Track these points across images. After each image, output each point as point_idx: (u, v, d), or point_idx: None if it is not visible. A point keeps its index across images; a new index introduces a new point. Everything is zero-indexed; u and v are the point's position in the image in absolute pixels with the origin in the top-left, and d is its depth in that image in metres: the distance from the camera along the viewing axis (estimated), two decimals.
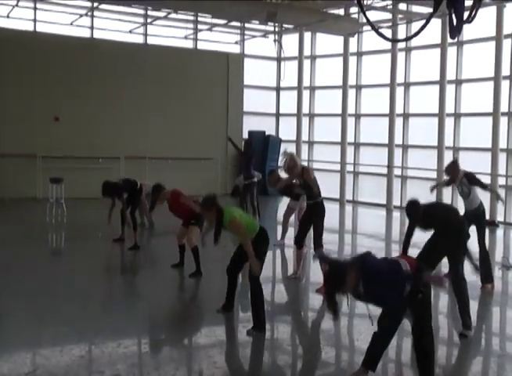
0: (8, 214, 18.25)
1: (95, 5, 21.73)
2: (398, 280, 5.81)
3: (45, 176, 20.20)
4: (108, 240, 13.99)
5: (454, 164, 10.56)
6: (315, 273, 10.63)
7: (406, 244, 8.57)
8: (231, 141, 18.44)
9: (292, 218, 14.30)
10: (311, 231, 10.45)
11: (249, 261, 7.85)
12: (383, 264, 5.93)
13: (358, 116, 23.81)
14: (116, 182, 13.95)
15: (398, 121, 21.68)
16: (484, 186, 10.73)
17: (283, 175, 11.51)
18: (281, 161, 10.78)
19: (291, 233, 13.81)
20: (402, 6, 20.42)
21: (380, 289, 5.71)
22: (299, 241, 10.78)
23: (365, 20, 11.87)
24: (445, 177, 10.69)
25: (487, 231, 11.13)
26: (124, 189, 13.89)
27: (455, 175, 10.35)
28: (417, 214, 8.41)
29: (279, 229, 14.76)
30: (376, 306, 5.93)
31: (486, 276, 10.42)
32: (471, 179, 10.51)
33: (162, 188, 11.60)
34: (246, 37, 25.55)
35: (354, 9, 21.29)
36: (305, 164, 10.96)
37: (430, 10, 8.33)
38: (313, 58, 25.44)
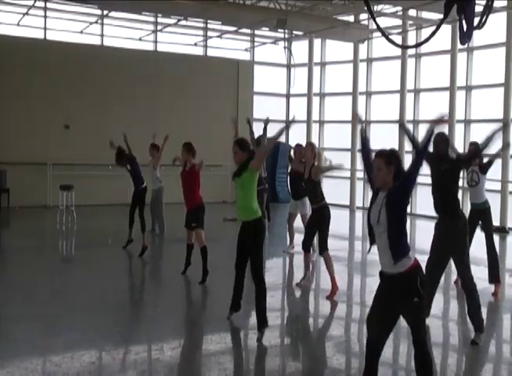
0: (19, 222, 18.30)
1: (105, 12, 21.83)
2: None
3: (55, 184, 20.25)
4: (118, 247, 14.01)
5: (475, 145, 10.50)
6: (325, 279, 10.61)
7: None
8: (249, 124, 18.52)
9: (296, 223, 14.27)
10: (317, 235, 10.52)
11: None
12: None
13: (367, 122, 23.79)
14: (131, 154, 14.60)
15: (408, 128, 21.61)
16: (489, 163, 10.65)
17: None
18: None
19: (297, 239, 13.82)
20: (412, 12, 20.39)
21: (398, 210, 5.74)
22: (306, 246, 10.82)
23: (375, 27, 11.88)
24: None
25: (497, 237, 11.08)
26: (134, 160, 14.31)
27: (473, 156, 10.24)
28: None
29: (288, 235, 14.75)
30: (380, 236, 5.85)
31: (493, 275, 10.39)
32: (483, 169, 10.50)
33: (192, 147, 11.73)
34: (256, 44, 25.61)
35: (363, 16, 21.30)
36: (320, 159, 10.90)
37: (441, 16, 8.32)
38: (323, 64, 25.45)
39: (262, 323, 7.96)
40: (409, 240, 5.94)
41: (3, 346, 7.65)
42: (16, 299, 9.65)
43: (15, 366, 6.85)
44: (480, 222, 10.59)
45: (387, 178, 5.71)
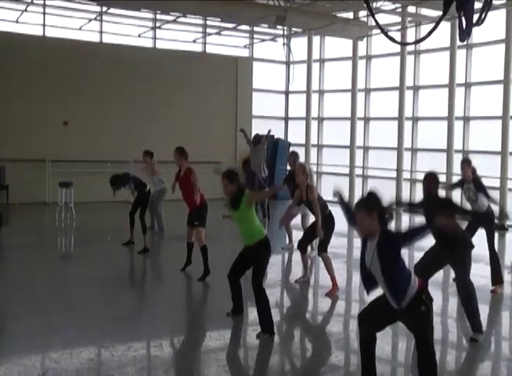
0: (18, 218, 18.29)
1: (104, 9, 21.80)
2: (406, 275, 5.80)
3: (54, 181, 20.25)
4: (117, 244, 14.01)
5: (467, 161, 10.47)
6: (324, 277, 10.61)
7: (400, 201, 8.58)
8: (244, 132, 18.71)
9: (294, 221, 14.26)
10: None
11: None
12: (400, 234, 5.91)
13: (367, 119, 23.79)
14: (124, 173, 14.18)
15: (407, 125, 21.64)
16: (488, 196, 10.58)
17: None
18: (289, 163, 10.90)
19: (295, 236, 13.82)
20: (411, 9, 20.38)
21: (391, 259, 5.71)
22: (303, 246, 10.82)
23: (374, 23, 11.87)
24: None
25: (496, 235, 11.08)
26: (133, 181, 13.96)
27: (465, 174, 10.23)
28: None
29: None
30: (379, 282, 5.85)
31: (496, 277, 10.41)
32: (478, 186, 10.44)
33: (184, 151, 11.69)
34: (255, 40, 25.57)
35: (363, 13, 21.27)
36: (312, 177, 10.84)
37: (440, 13, 8.31)
38: (322, 61, 25.43)
39: (267, 328, 7.91)
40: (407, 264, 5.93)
41: (2, 343, 7.66)
42: (15, 296, 9.65)
43: (13, 362, 6.85)
44: (483, 225, 10.56)
45: (372, 225, 5.73)
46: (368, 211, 5.68)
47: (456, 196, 10.70)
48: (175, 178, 11.84)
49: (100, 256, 13.22)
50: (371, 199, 5.82)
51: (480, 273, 10.39)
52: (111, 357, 7.08)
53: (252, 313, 8.69)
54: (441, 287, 10.45)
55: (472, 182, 10.41)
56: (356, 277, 12.10)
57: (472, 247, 8.21)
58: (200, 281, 10.80)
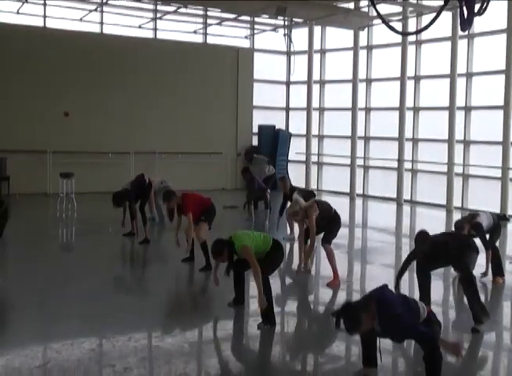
0: (19, 209, 18.28)
1: (105, 0, 21.76)
2: (414, 317, 5.78)
3: (55, 171, 20.25)
4: (118, 235, 14.02)
5: (461, 223, 10.39)
6: (325, 267, 10.62)
7: (399, 276, 8.44)
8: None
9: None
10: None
11: (257, 293, 7.88)
12: (399, 300, 5.88)
13: (368, 110, 23.76)
14: (125, 189, 13.85)
15: (409, 115, 21.61)
16: (485, 245, 10.46)
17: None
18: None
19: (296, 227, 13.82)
20: None
21: (397, 325, 5.67)
22: (305, 237, 10.81)
23: (375, 14, 11.85)
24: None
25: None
26: (134, 192, 13.83)
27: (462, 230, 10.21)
28: (425, 243, 8.22)
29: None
30: (394, 342, 5.94)
31: (497, 269, 10.42)
32: (478, 230, 10.34)
33: (173, 195, 11.39)
34: (256, 31, 25.51)
35: (364, 3, 21.23)
36: (307, 202, 10.95)
37: (441, 3, 8.29)
38: (323, 52, 25.37)
39: (269, 319, 7.92)
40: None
41: (3, 334, 7.68)
42: (16, 287, 9.65)
43: (15, 353, 6.86)
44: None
45: (371, 319, 5.72)
46: (366, 314, 5.68)
47: None
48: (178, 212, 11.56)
49: (101, 247, 13.22)
50: (354, 311, 5.77)
51: (482, 263, 10.38)
52: (112, 347, 7.09)
53: (253, 304, 8.70)
54: (442, 278, 10.45)
55: (471, 228, 10.28)
56: (357, 268, 12.15)
57: (477, 252, 8.27)
58: (201, 272, 10.79)
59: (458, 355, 5.79)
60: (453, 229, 10.41)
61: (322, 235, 10.61)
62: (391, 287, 6.31)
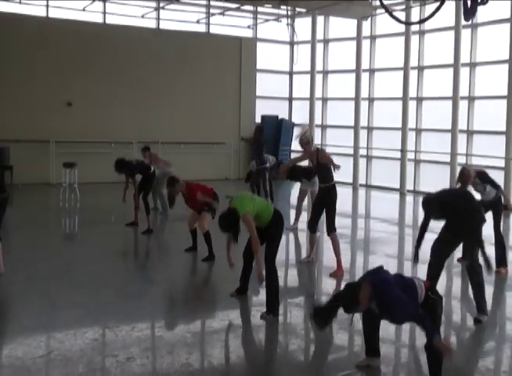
0: (21, 199, 18.31)
1: None
2: (411, 297, 5.76)
3: (58, 161, 20.28)
4: (121, 224, 14.02)
5: (463, 173, 10.35)
6: (329, 258, 10.62)
7: (420, 237, 8.44)
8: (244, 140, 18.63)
9: (305, 202, 14.30)
10: (324, 215, 10.43)
11: (256, 261, 7.94)
12: (396, 279, 5.87)
13: (371, 100, 23.72)
14: (129, 161, 13.95)
15: (412, 105, 21.58)
16: (495, 186, 10.53)
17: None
18: (297, 136, 10.70)
19: (304, 217, 13.82)
20: None
21: (394, 306, 5.65)
22: (312, 226, 10.73)
23: (378, 3, 11.79)
24: (457, 185, 10.53)
25: (502, 216, 11.07)
26: (137, 169, 13.88)
27: (465, 183, 10.18)
28: (434, 208, 8.24)
29: (292, 213, 14.78)
30: (394, 323, 5.94)
31: (501, 259, 10.41)
32: (484, 178, 10.37)
33: (176, 181, 11.40)
34: (259, 21, 25.47)
35: None
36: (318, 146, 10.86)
37: None
38: (326, 42, 25.33)
39: (272, 308, 7.93)
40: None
41: (6, 323, 7.70)
42: (19, 276, 9.66)
43: (18, 342, 6.87)
44: (491, 210, 10.51)
45: (368, 298, 5.67)
46: (363, 290, 5.63)
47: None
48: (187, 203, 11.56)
49: (104, 237, 13.22)
50: (351, 290, 5.74)
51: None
52: (115, 337, 7.09)
53: (256, 294, 8.71)
54: (445, 269, 10.44)
55: (476, 176, 10.28)
56: (360, 258, 12.14)
57: (484, 221, 8.26)
58: (204, 262, 10.80)
59: (448, 353, 5.75)
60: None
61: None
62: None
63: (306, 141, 10.21)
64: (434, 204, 8.18)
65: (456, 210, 8.07)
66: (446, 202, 8.19)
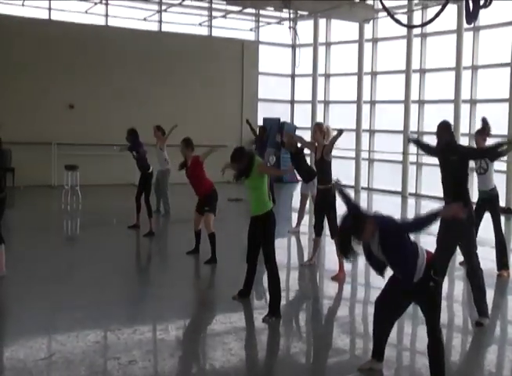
0: (23, 201, 18.33)
1: None
2: (412, 250, 5.78)
3: (60, 164, 20.27)
4: (123, 227, 14.03)
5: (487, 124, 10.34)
6: (331, 261, 10.62)
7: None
8: (249, 123, 18.76)
9: (307, 206, 14.31)
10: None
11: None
12: (402, 226, 5.89)
13: (373, 103, 23.73)
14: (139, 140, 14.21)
15: (414, 108, 21.58)
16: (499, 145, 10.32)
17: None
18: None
19: (306, 221, 13.83)
20: None
21: (395, 248, 5.71)
22: (318, 230, 10.70)
23: (380, 6, 11.81)
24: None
25: (503, 218, 11.05)
26: (141, 148, 14.09)
27: (485, 135, 10.10)
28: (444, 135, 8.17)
29: (294, 216, 14.78)
30: (389, 266, 5.93)
31: (502, 262, 10.39)
32: (492, 157, 10.32)
33: (191, 144, 11.84)
34: (261, 24, 25.50)
35: None
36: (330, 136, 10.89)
37: None
38: (328, 45, 25.35)
39: (274, 311, 7.95)
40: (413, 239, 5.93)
41: (8, 325, 7.70)
42: (21, 278, 9.66)
43: (19, 344, 6.87)
44: (488, 210, 10.49)
45: (373, 230, 5.76)
46: (367, 224, 5.73)
47: None
48: (181, 166, 11.67)
49: (105, 239, 13.23)
50: (357, 217, 5.83)
51: (486, 257, 10.36)
52: (117, 340, 7.09)
53: (258, 297, 8.72)
54: (447, 272, 10.43)
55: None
56: (362, 261, 12.11)
57: (472, 223, 8.14)
58: (206, 265, 10.80)
59: (459, 213, 5.82)
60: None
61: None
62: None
63: (326, 130, 10.39)
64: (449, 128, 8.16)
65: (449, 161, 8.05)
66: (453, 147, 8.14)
